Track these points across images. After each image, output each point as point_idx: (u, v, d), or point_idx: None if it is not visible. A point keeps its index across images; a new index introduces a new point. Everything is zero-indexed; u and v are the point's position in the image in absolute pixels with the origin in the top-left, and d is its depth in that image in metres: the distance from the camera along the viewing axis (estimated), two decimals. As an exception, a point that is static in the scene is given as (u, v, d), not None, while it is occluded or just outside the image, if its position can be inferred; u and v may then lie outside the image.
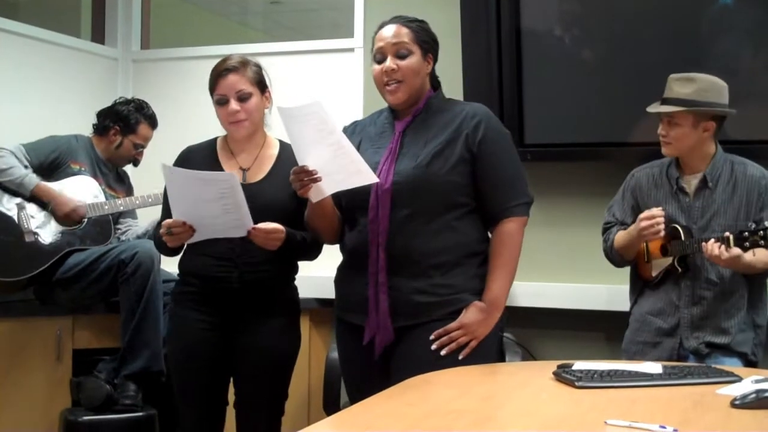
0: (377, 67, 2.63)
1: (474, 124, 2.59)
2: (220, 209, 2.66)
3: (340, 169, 2.47)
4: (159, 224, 2.94)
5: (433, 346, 2.52)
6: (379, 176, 2.53)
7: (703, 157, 3.07)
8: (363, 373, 2.63)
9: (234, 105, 2.86)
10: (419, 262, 2.54)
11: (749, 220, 2.99)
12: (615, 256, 3.21)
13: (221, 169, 2.89)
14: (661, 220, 2.97)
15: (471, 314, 2.55)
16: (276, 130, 2.95)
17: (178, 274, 3.00)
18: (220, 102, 2.88)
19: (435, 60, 2.68)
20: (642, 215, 3.01)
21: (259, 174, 2.92)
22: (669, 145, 3.06)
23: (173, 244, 2.80)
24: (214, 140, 3.02)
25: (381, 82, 2.62)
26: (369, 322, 2.58)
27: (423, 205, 2.54)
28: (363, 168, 2.46)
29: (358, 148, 2.60)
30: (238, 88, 2.86)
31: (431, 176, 2.54)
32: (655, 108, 3.07)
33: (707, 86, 3.02)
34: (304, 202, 2.67)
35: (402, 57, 2.60)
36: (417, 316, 2.55)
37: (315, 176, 2.48)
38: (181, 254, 2.96)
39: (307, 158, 2.49)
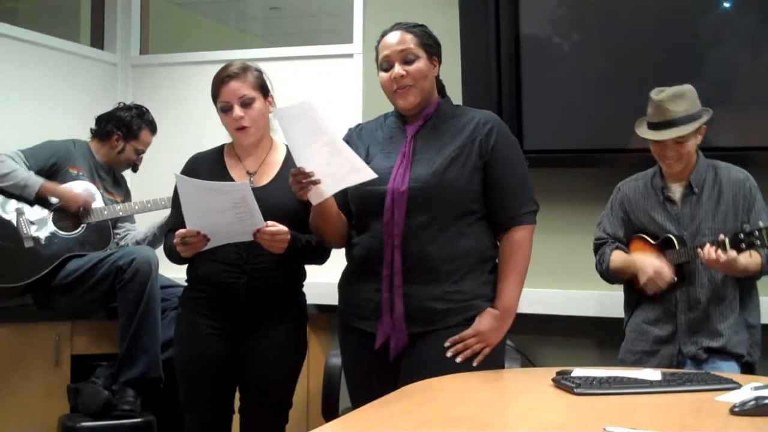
0: (385, 75, 2.62)
1: (487, 130, 2.58)
2: (233, 217, 2.65)
3: (336, 168, 2.45)
4: (169, 232, 2.94)
5: (449, 353, 2.51)
6: (394, 180, 2.53)
7: (687, 164, 3.08)
8: (372, 381, 2.58)
9: (238, 111, 2.85)
10: (435, 269, 2.53)
11: (737, 222, 3.02)
12: (611, 277, 3.23)
13: (228, 175, 2.89)
14: (666, 282, 3.03)
15: (485, 321, 2.55)
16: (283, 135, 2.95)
17: (187, 280, 2.98)
18: (224, 109, 2.88)
19: (440, 62, 2.68)
20: (654, 273, 3.02)
21: (265, 178, 2.91)
22: (678, 161, 3.05)
23: (187, 254, 2.76)
24: (221, 147, 3.01)
25: (390, 89, 2.61)
26: (382, 325, 2.55)
27: (439, 212, 2.53)
28: (359, 165, 2.45)
29: (366, 153, 2.60)
30: (240, 93, 2.86)
31: (448, 183, 2.53)
32: (666, 134, 2.99)
33: (692, 95, 3.04)
34: (311, 206, 2.65)
35: (409, 62, 2.59)
36: (432, 323, 2.53)
37: (312, 178, 2.47)
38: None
39: (302, 160, 2.48)
